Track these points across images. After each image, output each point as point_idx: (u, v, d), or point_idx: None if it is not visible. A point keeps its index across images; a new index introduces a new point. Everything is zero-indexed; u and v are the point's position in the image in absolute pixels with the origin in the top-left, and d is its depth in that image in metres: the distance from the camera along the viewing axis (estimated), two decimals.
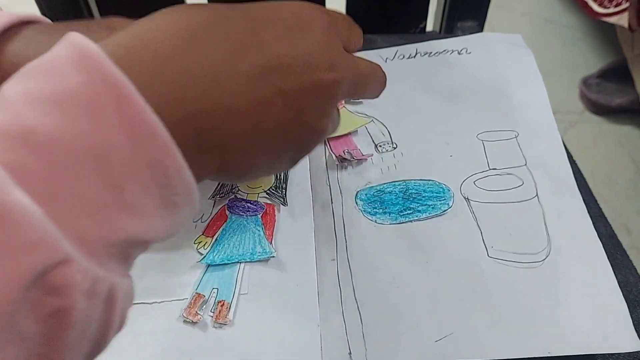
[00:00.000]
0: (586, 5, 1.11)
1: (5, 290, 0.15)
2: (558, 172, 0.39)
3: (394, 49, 0.47)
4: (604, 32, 1.27)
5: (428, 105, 0.42)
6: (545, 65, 1.24)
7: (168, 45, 0.20)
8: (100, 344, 0.20)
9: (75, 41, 0.18)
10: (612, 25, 1.04)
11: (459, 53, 0.46)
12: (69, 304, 0.17)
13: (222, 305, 0.32)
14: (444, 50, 0.46)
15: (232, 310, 0.32)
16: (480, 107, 0.42)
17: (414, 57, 0.46)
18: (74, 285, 0.17)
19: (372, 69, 0.28)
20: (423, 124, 0.41)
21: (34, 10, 0.44)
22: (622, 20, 0.96)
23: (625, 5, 0.96)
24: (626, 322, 0.31)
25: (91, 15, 0.54)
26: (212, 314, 0.31)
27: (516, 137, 0.40)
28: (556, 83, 1.21)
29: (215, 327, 0.31)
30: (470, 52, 0.46)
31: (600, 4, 1.06)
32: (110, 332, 0.20)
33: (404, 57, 0.46)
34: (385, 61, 0.46)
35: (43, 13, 0.52)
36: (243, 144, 0.23)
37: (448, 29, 0.60)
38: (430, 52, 0.46)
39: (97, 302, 0.18)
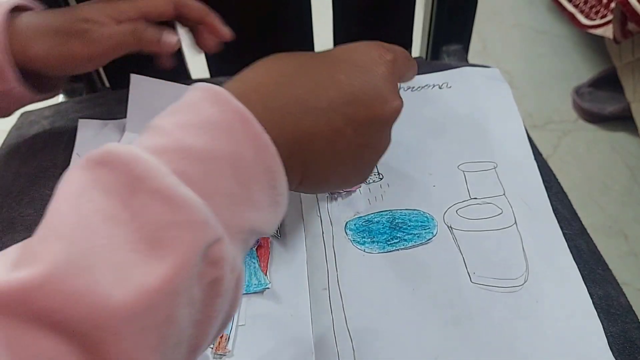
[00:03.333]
0: (573, 17, 1.13)
1: (191, 255, 0.20)
2: (535, 200, 0.41)
3: None
4: (594, 42, 1.29)
5: (412, 137, 0.44)
6: (537, 76, 1.27)
7: (269, 89, 0.27)
8: (226, 321, 0.25)
9: (206, 86, 0.25)
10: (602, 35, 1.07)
11: (440, 87, 0.48)
12: (221, 275, 0.22)
13: (221, 337, 0.34)
14: (426, 85, 0.48)
15: (230, 341, 0.33)
16: (461, 140, 0.44)
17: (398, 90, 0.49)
18: (226, 259, 0.22)
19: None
20: (407, 155, 0.43)
21: None
22: (608, 32, 0.98)
23: (610, 17, 0.98)
24: (602, 343, 0.33)
25: None
26: (211, 345, 0.33)
27: (495, 167, 0.42)
28: (549, 93, 1.23)
29: (215, 358, 0.33)
30: (450, 86, 0.48)
31: (587, 16, 1.08)
32: (233, 311, 0.25)
33: None
34: None
35: None
36: (321, 164, 0.29)
37: (434, 54, 0.62)
38: (413, 87, 0.48)
39: (234, 276, 0.24)
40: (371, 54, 0.30)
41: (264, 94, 0.27)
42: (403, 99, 0.47)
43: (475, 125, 0.45)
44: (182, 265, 0.20)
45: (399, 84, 0.33)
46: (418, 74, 0.53)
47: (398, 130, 0.45)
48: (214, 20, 0.44)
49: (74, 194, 0.21)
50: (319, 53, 0.31)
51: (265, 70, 0.29)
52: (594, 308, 0.35)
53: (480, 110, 0.46)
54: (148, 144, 0.23)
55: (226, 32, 0.44)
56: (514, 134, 0.45)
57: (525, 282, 0.36)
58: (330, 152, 0.29)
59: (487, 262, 0.36)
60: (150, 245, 0.20)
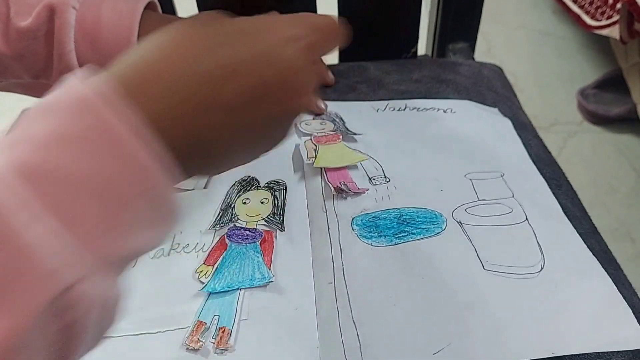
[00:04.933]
0: (579, 18, 1.12)
1: (33, 310, 0.18)
2: (546, 204, 0.40)
3: (385, 102, 0.50)
4: (599, 43, 1.29)
5: (417, 149, 0.44)
6: (542, 78, 1.26)
7: (165, 82, 0.23)
8: (96, 342, 0.22)
9: (78, 89, 0.20)
10: (607, 36, 1.06)
11: (444, 112, 0.49)
12: (80, 315, 0.19)
13: (223, 332, 0.33)
14: (431, 108, 0.49)
15: (233, 336, 0.33)
16: (466, 155, 0.44)
17: (404, 110, 0.49)
18: (86, 297, 0.19)
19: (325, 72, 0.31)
20: (413, 163, 0.43)
21: None
22: (614, 32, 0.98)
23: (616, 17, 0.97)
24: (631, 321, 0.32)
25: None
26: (213, 340, 0.33)
27: (502, 176, 0.42)
28: (554, 95, 1.23)
29: (217, 354, 0.32)
30: (455, 112, 0.49)
31: (593, 17, 1.07)
32: (104, 332, 0.22)
33: (394, 109, 0.49)
34: (377, 111, 0.49)
35: None
36: (222, 155, 0.26)
37: (440, 52, 0.62)
38: (419, 108, 0.49)
39: (104, 306, 0.21)
40: (285, 35, 0.26)
41: (158, 87, 0.23)
42: (409, 118, 0.46)
43: (480, 144, 0.45)
44: (21, 323, 0.17)
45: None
46: (425, 74, 0.54)
47: (403, 142, 0.45)
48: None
49: None
50: (226, 25, 0.26)
51: (163, 52, 0.24)
52: (619, 292, 0.34)
53: (483, 132, 0.47)
54: (11, 159, 0.19)
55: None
56: (517, 153, 0.45)
57: (542, 269, 0.35)
58: (235, 145, 0.26)
59: (499, 252, 0.36)
60: None
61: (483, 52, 1.31)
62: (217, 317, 0.33)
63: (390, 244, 0.37)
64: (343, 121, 0.48)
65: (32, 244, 0.18)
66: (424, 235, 0.37)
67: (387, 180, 0.41)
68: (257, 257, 0.36)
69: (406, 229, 0.37)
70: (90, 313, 0.20)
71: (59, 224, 0.19)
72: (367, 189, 0.41)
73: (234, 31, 0.26)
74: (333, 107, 0.49)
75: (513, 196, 0.40)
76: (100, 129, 0.20)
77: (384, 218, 0.38)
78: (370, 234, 0.37)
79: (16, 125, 0.21)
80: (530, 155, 0.46)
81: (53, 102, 0.21)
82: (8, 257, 0.17)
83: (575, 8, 1.15)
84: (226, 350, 0.32)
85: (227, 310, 0.34)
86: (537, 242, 0.37)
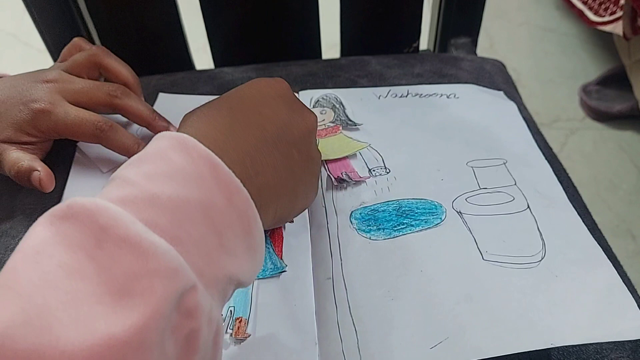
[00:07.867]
0: (582, 14, 1.12)
1: (162, 304, 0.19)
2: (549, 190, 0.40)
3: (387, 88, 0.50)
4: (602, 40, 1.28)
5: (419, 138, 0.44)
6: (544, 74, 1.26)
7: (220, 138, 0.28)
8: None
9: (172, 134, 0.25)
10: (610, 33, 1.06)
11: (447, 97, 0.48)
12: (198, 326, 0.21)
13: (240, 322, 0.33)
14: (434, 94, 0.49)
15: (250, 325, 0.32)
16: (469, 142, 0.44)
17: (406, 96, 0.49)
18: (201, 308, 0.21)
19: None
20: (414, 153, 0.43)
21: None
22: (617, 28, 0.97)
23: (619, 13, 0.97)
24: (632, 310, 0.32)
25: (85, 27, 0.56)
26: (230, 330, 0.32)
27: (505, 163, 0.42)
28: (556, 91, 1.22)
29: (235, 343, 0.32)
30: (458, 97, 0.48)
31: (596, 13, 1.07)
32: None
33: (396, 95, 0.49)
34: (379, 98, 0.49)
35: (38, 27, 0.54)
36: (287, 192, 0.31)
37: (442, 47, 0.61)
38: (421, 94, 0.49)
39: (212, 329, 0.23)
40: (271, 86, 0.33)
41: (220, 141, 0.28)
42: (411, 105, 0.47)
43: (483, 130, 0.45)
44: (152, 315, 0.19)
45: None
46: (426, 69, 0.53)
47: (404, 130, 0.45)
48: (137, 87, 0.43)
49: (33, 251, 0.19)
50: (229, 99, 0.32)
51: (205, 124, 0.29)
52: (622, 281, 0.34)
53: (487, 118, 0.46)
54: (113, 195, 0.22)
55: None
56: (522, 138, 0.45)
57: (542, 259, 0.35)
58: (291, 179, 0.31)
59: (499, 242, 0.35)
60: (118, 296, 0.19)
61: (485, 47, 1.31)
62: (232, 308, 0.33)
63: (388, 237, 0.36)
64: (343, 106, 0.47)
65: (155, 245, 0.20)
66: (422, 227, 0.37)
67: (387, 171, 0.41)
68: (268, 247, 0.36)
69: (405, 221, 0.37)
70: (205, 328, 0.22)
71: (173, 239, 0.21)
72: (369, 177, 0.40)
73: (239, 101, 0.32)
74: (334, 93, 0.49)
75: (515, 184, 0.40)
76: (204, 164, 0.24)
77: (382, 210, 0.38)
78: (369, 227, 0.37)
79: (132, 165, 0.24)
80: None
81: (157, 150, 0.24)
82: (132, 256, 0.19)
83: (578, 4, 1.14)
84: (244, 339, 0.32)
85: (241, 301, 0.34)
86: (539, 231, 0.36)
